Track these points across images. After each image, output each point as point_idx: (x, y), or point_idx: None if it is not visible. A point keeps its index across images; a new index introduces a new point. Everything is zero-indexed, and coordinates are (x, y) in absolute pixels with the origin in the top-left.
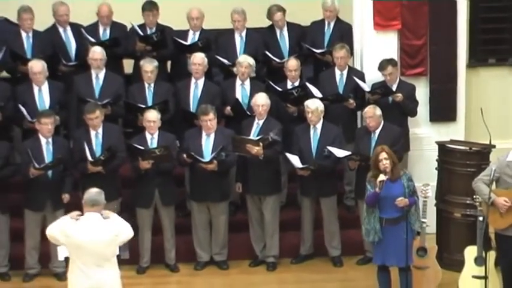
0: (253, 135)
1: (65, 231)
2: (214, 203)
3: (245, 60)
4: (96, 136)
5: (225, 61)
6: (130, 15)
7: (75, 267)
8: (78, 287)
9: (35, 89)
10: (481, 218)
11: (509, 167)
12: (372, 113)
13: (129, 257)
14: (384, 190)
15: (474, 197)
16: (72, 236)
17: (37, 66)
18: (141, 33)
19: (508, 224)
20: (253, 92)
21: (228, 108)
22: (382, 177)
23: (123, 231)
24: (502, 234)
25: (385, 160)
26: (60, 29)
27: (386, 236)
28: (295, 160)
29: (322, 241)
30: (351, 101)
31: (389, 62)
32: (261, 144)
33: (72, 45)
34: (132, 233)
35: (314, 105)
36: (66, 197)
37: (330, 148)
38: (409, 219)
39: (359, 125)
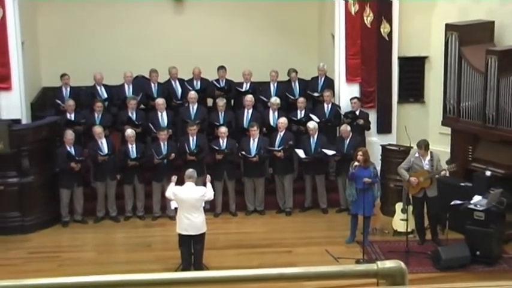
0: (278, 140)
1: (174, 192)
2: (257, 178)
3: (275, 102)
4: (192, 140)
5: (265, 99)
6: (210, 72)
7: (180, 213)
8: (182, 224)
9: (159, 114)
10: (404, 188)
11: (416, 160)
12: (345, 129)
13: (209, 207)
14: (359, 172)
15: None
16: (178, 195)
17: (161, 101)
18: (218, 86)
19: (416, 191)
20: (279, 117)
21: (264, 129)
22: (356, 163)
23: (208, 193)
24: (414, 196)
25: (359, 155)
26: (172, 82)
27: (359, 198)
28: (301, 153)
29: (316, 199)
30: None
31: (355, 99)
32: (281, 150)
33: (179, 91)
34: (213, 195)
35: (312, 126)
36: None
37: (323, 149)
38: (372, 189)
39: (337, 135)
